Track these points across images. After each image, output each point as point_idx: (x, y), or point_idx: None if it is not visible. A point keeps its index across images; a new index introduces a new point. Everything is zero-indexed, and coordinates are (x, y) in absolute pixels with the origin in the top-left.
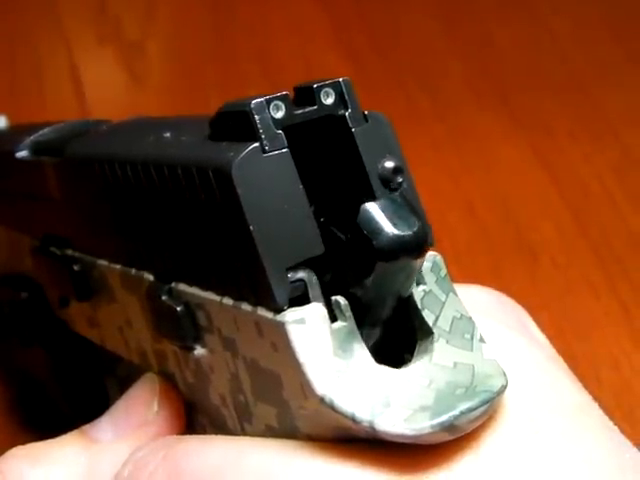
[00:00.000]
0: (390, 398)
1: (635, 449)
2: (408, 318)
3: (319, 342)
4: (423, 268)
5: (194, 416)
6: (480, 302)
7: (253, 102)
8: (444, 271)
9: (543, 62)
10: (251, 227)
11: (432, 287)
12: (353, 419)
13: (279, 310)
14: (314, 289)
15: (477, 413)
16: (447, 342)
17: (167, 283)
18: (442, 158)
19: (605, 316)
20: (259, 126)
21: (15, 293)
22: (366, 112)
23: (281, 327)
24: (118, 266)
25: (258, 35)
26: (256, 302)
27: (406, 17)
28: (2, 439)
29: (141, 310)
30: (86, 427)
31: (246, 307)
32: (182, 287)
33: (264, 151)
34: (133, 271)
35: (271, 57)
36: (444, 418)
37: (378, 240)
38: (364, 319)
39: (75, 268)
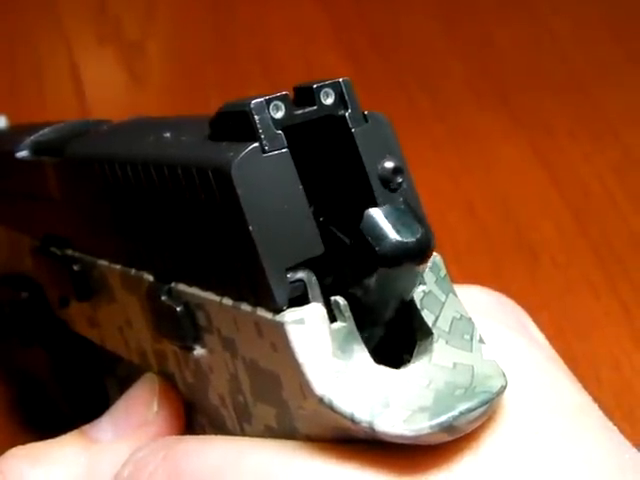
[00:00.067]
0: (389, 399)
1: (635, 450)
2: (408, 318)
3: (318, 342)
4: None
5: (194, 416)
6: (480, 303)
7: (253, 102)
8: (444, 271)
9: (543, 62)
10: (251, 227)
11: (432, 287)
12: (352, 419)
13: (278, 310)
14: (314, 289)
15: (476, 414)
16: (446, 343)
17: (167, 283)
18: (442, 158)
19: (605, 316)
20: (259, 126)
21: (15, 293)
22: (366, 112)
23: (280, 327)
24: (118, 266)
25: (258, 35)
26: (256, 302)
27: (406, 17)
28: (2, 439)
29: (141, 310)
30: (86, 427)
31: (246, 307)
32: (182, 287)
33: (264, 151)
34: (133, 271)
35: (271, 57)
36: (443, 419)
37: (381, 247)
38: (364, 320)
39: (75, 268)
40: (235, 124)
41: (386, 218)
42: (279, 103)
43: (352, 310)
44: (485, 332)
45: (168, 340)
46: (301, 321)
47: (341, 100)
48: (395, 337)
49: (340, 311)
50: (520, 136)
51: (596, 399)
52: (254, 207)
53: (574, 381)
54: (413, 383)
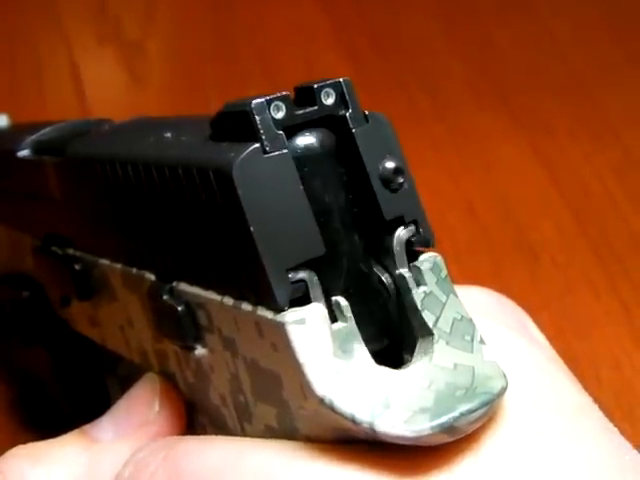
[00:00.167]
0: (390, 399)
1: (635, 451)
2: (408, 319)
3: (319, 343)
4: (423, 269)
5: (194, 416)
6: (480, 303)
7: (253, 102)
8: (444, 272)
9: (543, 62)
10: (251, 227)
11: (432, 288)
12: (353, 420)
13: (279, 310)
14: (315, 289)
15: (477, 415)
16: (447, 343)
17: (168, 283)
18: (442, 158)
19: (605, 315)
20: (260, 126)
21: (16, 292)
22: (367, 112)
23: (281, 327)
24: (119, 265)
25: (258, 35)
26: (256, 302)
27: (406, 17)
28: (3, 438)
29: (142, 309)
30: (87, 427)
31: (246, 307)
32: (183, 287)
33: (265, 151)
34: (134, 270)
35: (271, 57)
36: (444, 419)
37: None
38: (365, 320)
39: (76, 267)
40: (236, 124)
41: None
42: (280, 103)
43: (353, 310)
44: (485, 333)
45: (169, 340)
46: (302, 321)
47: (342, 100)
48: (396, 337)
49: (341, 311)
50: (520, 136)
51: (596, 399)
52: (255, 207)
53: (574, 381)
54: (414, 384)
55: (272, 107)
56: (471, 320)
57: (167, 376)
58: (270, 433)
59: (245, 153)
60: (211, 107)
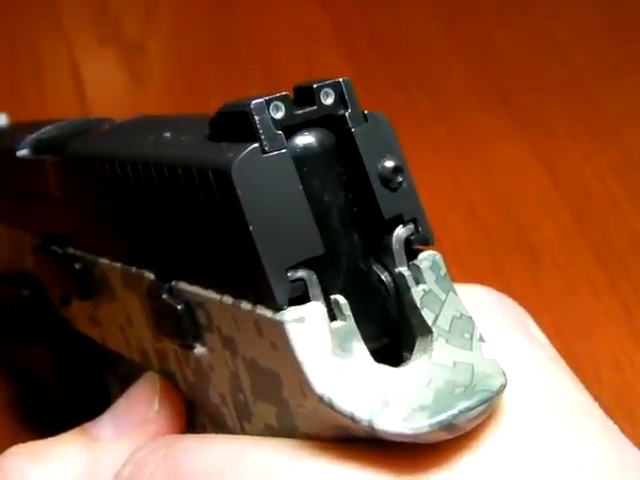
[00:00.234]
0: (389, 397)
1: (636, 449)
2: (407, 317)
3: (318, 341)
4: (422, 267)
5: (194, 415)
6: (481, 302)
7: (253, 102)
8: (444, 270)
9: (543, 63)
10: (251, 227)
11: (432, 286)
12: (352, 418)
13: (279, 309)
14: (314, 288)
15: (476, 412)
16: (446, 341)
17: (168, 282)
18: (443, 158)
19: (606, 316)
20: (259, 126)
21: (17, 291)
22: (366, 112)
23: (280, 326)
24: (119, 265)
25: (259, 36)
26: (256, 301)
27: (407, 18)
28: (3, 437)
29: (142, 309)
30: (87, 425)
31: (246, 306)
32: (182, 286)
33: (264, 151)
34: (134, 270)
35: (272, 58)
36: (443, 417)
37: None
38: (364, 318)
39: (76, 266)
40: (235, 124)
41: None
42: (279, 103)
43: (352, 309)
44: (486, 331)
45: (169, 339)
46: (301, 320)
47: (341, 100)
48: (395, 335)
49: (340, 310)
50: (521, 136)
51: (597, 399)
52: (254, 207)
53: (575, 380)
54: (413, 382)
55: (271, 107)
56: (470, 318)
57: (167, 375)
58: (270, 432)
59: (244, 153)
60: (211, 107)
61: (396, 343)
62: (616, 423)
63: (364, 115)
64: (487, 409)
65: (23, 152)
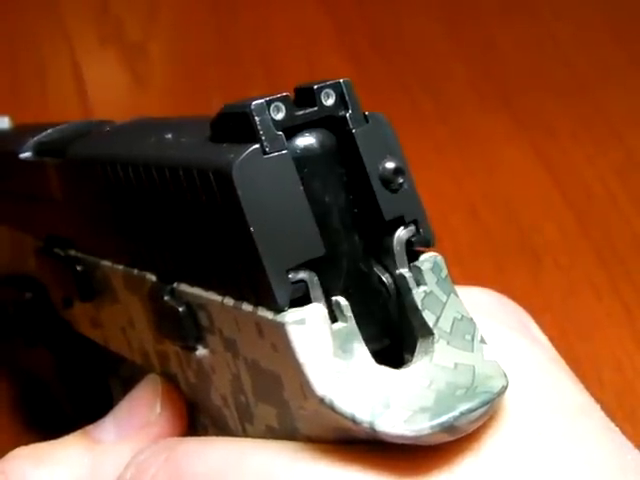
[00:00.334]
0: (390, 399)
1: (637, 451)
2: (408, 319)
3: (319, 343)
4: (424, 269)
5: (196, 416)
6: (482, 303)
7: (253, 103)
8: (445, 272)
9: (546, 65)
10: (251, 228)
11: (433, 288)
12: (353, 420)
13: (280, 311)
14: (315, 290)
15: (477, 414)
16: (448, 343)
17: (169, 283)
18: (445, 160)
19: (608, 317)
20: (259, 127)
21: (19, 293)
22: (367, 113)
23: (281, 328)
24: (121, 267)
25: (261, 37)
26: (257, 303)
27: (409, 20)
28: (6, 439)
29: (143, 310)
30: (89, 428)
31: (247, 307)
32: (184, 287)
33: (264, 152)
34: (135, 272)
35: (274, 59)
36: (444, 419)
37: None
38: (365, 320)
39: (78, 269)
40: (236, 125)
41: None
42: (279, 104)
43: (353, 310)
44: (487, 333)
45: (170, 340)
46: (302, 321)
47: (342, 101)
48: (396, 337)
49: (341, 311)
50: (523, 138)
51: (598, 400)
52: (255, 208)
53: (576, 382)
54: (414, 383)
55: (272, 108)
56: (472, 319)
57: (169, 377)
58: (271, 433)
59: (245, 154)
60: (213, 109)
61: (397, 345)
62: (617, 424)
63: (365, 116)
64: (488, 411)
65: (25, 155)
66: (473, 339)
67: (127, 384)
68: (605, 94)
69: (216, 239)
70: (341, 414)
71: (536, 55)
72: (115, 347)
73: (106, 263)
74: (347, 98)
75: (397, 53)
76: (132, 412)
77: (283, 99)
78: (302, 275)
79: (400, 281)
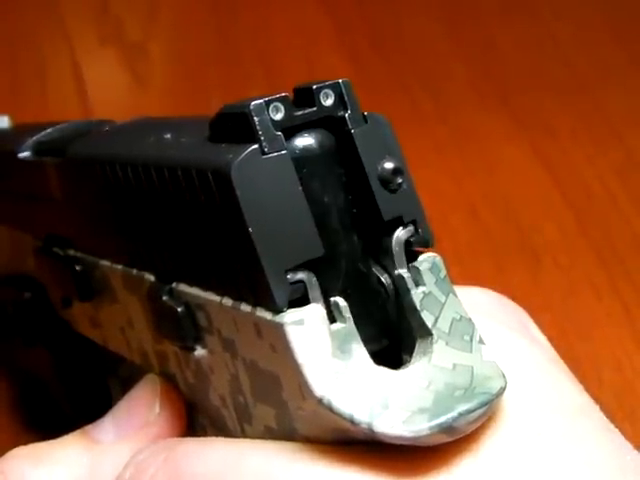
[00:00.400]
0: (389, 399)
1: (636, 451)
2: (407, 319)
3: (318, 343)
4: (422, 269)
5: (195, 417)
6: (481, 304)
7: (252, 104)
8: (444, 272)
9: (545, 64)
10: (250, 228)
11: (431, 288)
12: (351, 420)
13: (278, 311)
14: (313, 290)
15: (476, 415)
16: (446, 343)
17: (168, 283)
18: (444, 160)
19: (607, 317)
20: (258, 128)
21: (18, 293)
22: (366, 113)
23: (280, 328)
24: (120, 266)
25: (261, 37)
26: (255, 303)
27: (409, 20)
28: (5, 439)
29: (142, 310)
30: (88, 427)
31: (245, 308)
32: (182, 288)
33: (263, 152)
34: (134, 271)
35: (273, 59)
36: (442, 420)
37: None
38: (364, 320)
39: (77, 268)
40: (235, 125)
41: None
42: (279, 104)
43: (352, 311)
44: (486, 333)
45: (169, 340)
46: (300, 322)
47: (341, 101)
48: (395, 338)
49: (340, 312)
50: (522, 138)
51: (597, 400)
52: (253, 208)
53: (575, 382)
54: (412, 384)
55: (271, 108)
56: (470, 320)
57: (167, 377)
58: (270, 434)
59: (244, 154)
60: (213, 109)
61: (396, 345)
62: (617, 424)
63: (364, 116)
64: (487, 412)
65: (24, 154)
66: (472, 340)
67: (126, 384)
68: (605, 94)
69: (215, 239)
70: (339, 415)
71: (536, 55)
72: (114, 347)
73: (105, 263)
74: (346, 98)
75: (397, 53)
76: (131, 412)
77: (282, 99)
78: (301, 275)
79: (399, 281)
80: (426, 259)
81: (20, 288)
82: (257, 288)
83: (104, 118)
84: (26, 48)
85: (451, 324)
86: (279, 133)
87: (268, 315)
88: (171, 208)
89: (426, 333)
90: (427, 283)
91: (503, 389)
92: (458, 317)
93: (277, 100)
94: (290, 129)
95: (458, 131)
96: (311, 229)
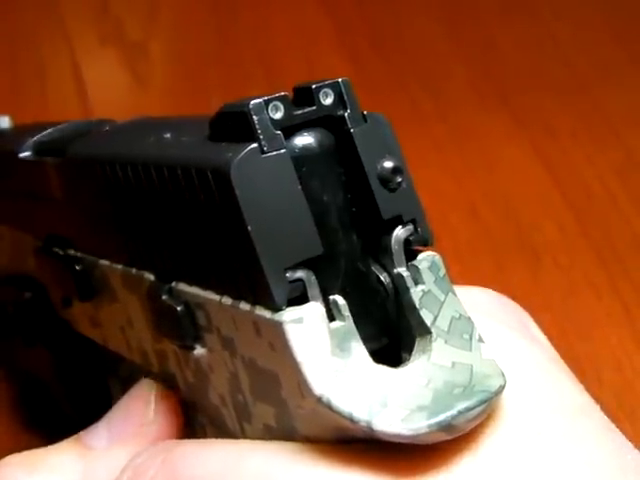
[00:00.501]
0: (388, 398)
1: (637, 451)
2: (406, 318)
3: (317, 341)
4: (421, 268)
5: (194, 415)
6: (481, 303)
7: (252, 103)
8: (443, 271)
9: (545, 64)
10: (249, 227)
11: (431, 287)
12: (351, 419)
13: (277, 309)
14: (313, 289)
15: (475, 413)
16: (445, 342)
17: (167, 283)
18: (444, 159)
19: (607, 317)
20: (257, 127)
21: (18, 293)
22: (365, 112)
23: (279, 326)
24: (119, 266)
25: (261, 37)
26: (255, 302)
27: (409, 20)
28: (5, 439)
29: (142, 310)
30: (82, 434)
31: (244, 306)
32: (182, 287)
33: (263, 152)
34: (134, 271)
35: (273, 60)
36: (441, 418)
37: None
38: (363, 319)
39: (77, 268)
40: (234, 124)
41: None
42: (278, 103)
43: (351, 309)
44: (486, 332)
45: (168, 339)
46: (299, 320)
47: (340, 100)
48: (394, 336)
49: (339, 310)
50: (522, 137)
51: (597, 400)
52: (253, 207)
53: (576, 382)
54: (412, 382)
55: (270, 107)
56: (469, 319)
57: (167, 376)
58: (269, 433)
59: (243, 153)
60: (213, 109)
61: (395, 344)
62: (617, 424)
63: (363, 115)
64: (486, 410)
65: (25, 154)
66: (471, 338)
67: (126, 384)
68: (605, 93)
69: (214, 238)
70: (339, 413)
71: (536, 55)
72: (114, 346)
73: (105, 262)
74: (346, 97)
75: (397, 53)
76: (125, 417)
77: (281, 98)
78: (300, 274)
79: (398, 280)
80: (425, 258)
81: (20, 288)
82: (256, 286)
83: (104, 118)
84: (26, 48)
85: (450, 322)
86: (278, 132)
87: (267, 313)
88: (171, 207)
89: (425, 331)
90: (426, 282)
91: (502, 387)
92: (457, 315)
93: (276, 99)
94: (289, 128)
95: (458, 130)
96: (310, 228)
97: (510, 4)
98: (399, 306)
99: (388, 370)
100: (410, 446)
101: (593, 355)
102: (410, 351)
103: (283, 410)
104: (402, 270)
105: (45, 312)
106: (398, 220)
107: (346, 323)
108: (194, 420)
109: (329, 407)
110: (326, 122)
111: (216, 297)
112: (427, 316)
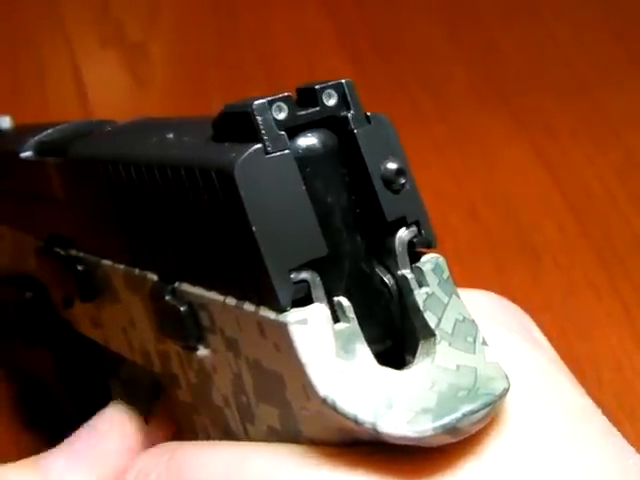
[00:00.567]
0: (392, 400)
1: (638, 455)
2: (410, 320)
3: (322, 343)
4: (425, 270)
5: (196, 417)
6: (482, 306)
7: (255, 103)
8: (447, 273)
9: (546, 65)
10: (254, 228)
11: (434, 289)
12: (355, 420)
13: (282, 311)
14: (317, 290)
15: (479, 415)
16: (450, 344)
17: (171, 283)
18: (445, 159)
19: (607, 317)
20: (261, 127)
21: (19, 293)
22: (368, 113)
23: (283, 328)
24: (122, 266)
25: (261, 39)
26: (259, 302)
27: (410, 22)
28: (6, 440)
29: (145, 310)
30: (42, 455)
31: (249, 307)
32: (185, 287)
33: (266, 152)
34: (137, 271)
35: (274, 61)
36: (446, 420)
37: None
38: (367, 321)
39: (79, 268)
40: (238, 125)
41: None
42: (282, 104)
43: (355, 311)
44: (488, 335)
45: (171, 340)
46: (304, 321)
47: (344, 101)
48: (398, 338)
49: (343, 312)
50: (523, 138)
51: (597, 400)
52: (257, 208)
53: (576, 385)
54: (416, 384)
55: (274, 108)
56: (473, 321)
57: (170, 377)
58: (273, 434)
59: (247, 153)
60: (213, 111)
61: (399, 346)
62: (617, 424)
63: (367, 116)
64: (490, 412)
65: (26, 154)
66: (475, 341)
67: (127, 385)
68: (605, 93)
69: (218, 239)
70: (343, 415)
71: (536, 55)
72: (116, 347)
73: (107, 262)
74: (349, 98)
75: (397, 55)
76: (87, 443)
77: (285, 99)
78: (304, 275)
79: (402, 282)
80: (429, 260)
81: (21, 288)
82: (261, 287)
83: (105, 118)
84: (26, 49)
85: (454, 325)
86: (282, 132)
87: (272, 314)
88: (174, 207)
89: (429, 334)
90: (430, 284)
91: (506, 390)
92: (461, 318)
93: (280, 100)
94: (293, 129)
95: (458, 131)
96: (315, 229)
97: (510, 5)
98: (403, 308)
99: (392, 372)
100: (414, 449)
101: (593, 355)
102: (414, 353)
103: (287, 411)
104: (406, 272)
105: (46, 312)
106: (402, 222)
107: (351, 325)
108: (196, 422)
109: (334, 408)
110: (329, 123)
111: (220, 298)
112: (431, 318)
